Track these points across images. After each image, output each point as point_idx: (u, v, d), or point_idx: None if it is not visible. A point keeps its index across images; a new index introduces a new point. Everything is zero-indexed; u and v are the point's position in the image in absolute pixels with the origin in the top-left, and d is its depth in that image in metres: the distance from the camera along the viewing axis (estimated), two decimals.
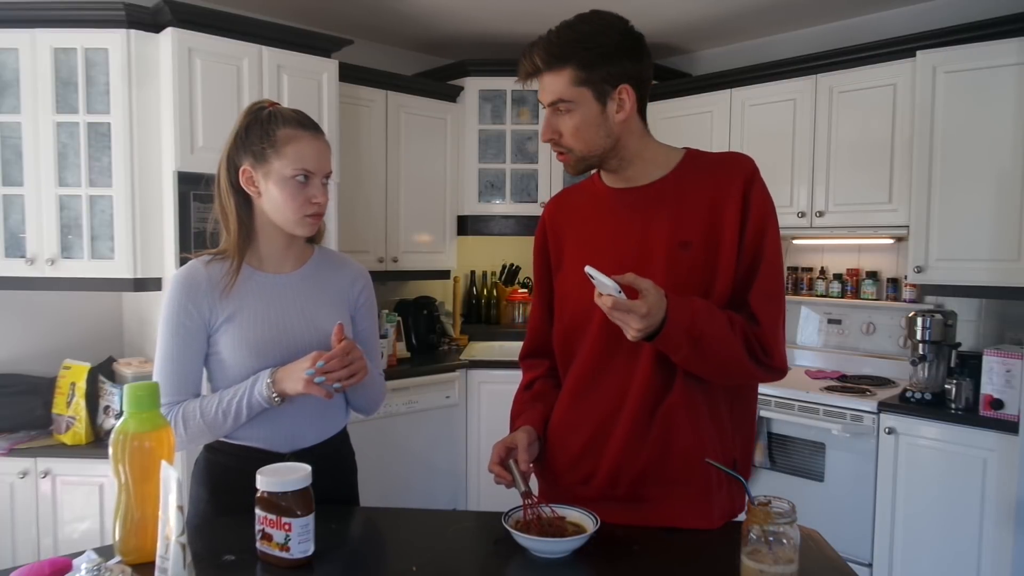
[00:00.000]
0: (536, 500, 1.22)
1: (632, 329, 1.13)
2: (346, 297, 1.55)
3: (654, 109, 2.73)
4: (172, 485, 0.97)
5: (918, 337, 2.81)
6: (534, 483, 1.39)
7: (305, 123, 1.43)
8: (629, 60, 1.25)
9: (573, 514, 1.21)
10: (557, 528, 1.17)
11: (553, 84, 1.24)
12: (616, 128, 1.28)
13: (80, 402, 2.56)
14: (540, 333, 1.50)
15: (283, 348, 1.41)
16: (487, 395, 3.57)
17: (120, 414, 1.19)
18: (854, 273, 3.36)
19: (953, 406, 2.66)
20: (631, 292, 1.13)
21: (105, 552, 1.09)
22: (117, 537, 1.09)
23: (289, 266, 1.50)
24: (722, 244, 1.25)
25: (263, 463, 1.16)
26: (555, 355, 1.46)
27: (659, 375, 1.26)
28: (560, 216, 1.45)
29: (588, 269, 1.12)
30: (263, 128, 1.39)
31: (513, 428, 1.41)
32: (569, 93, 1.24)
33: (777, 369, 1.25)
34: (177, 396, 1.40)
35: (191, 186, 2.66)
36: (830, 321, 3.40)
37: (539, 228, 1.50)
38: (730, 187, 1.26)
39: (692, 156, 1.34)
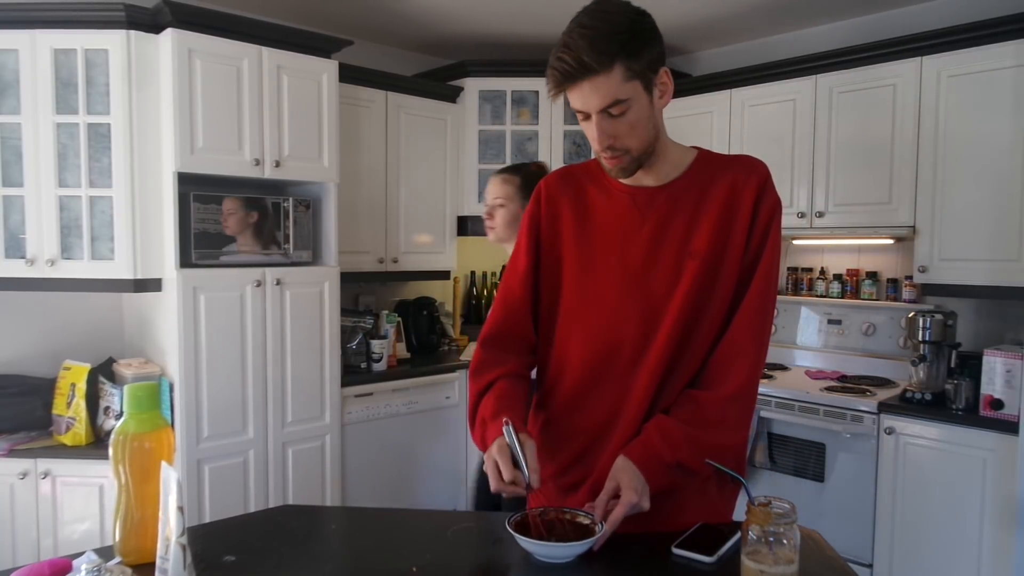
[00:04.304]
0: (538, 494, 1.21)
1: (646, 502, 1.14)
2: None
3: None
4: (172, 486, 0.97)
5: (918, 337, 2.81)
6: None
7: None
8: (659, 41, 1.18)
9: (579, 515, 1.19)
10: (563, 527, 1.16)
11: (605, 86, 1.13)
12: (657, 118, 1.22)
13: (80, 403, 2.56)
14: (515, 317, 1.35)
15: None
16: None
17: (120, 415, 1.19)
18: (854, 273, 3.37)
19: (953, 406, 2.66)
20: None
21: (105, 553, 1.09)
22: (117, 538, 1.08)
23: None
24: (727, 254, 1.23)
25: None
26: (523, 347, 1.36)
27: (659, 384, 1.24)
28: (563, 199, 1.34)
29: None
30: None
31: (493, 425, 1.22)
32: (623, 91, 1.14)
33: (735, 395, 1.21)
34: None
35: (191, 187, 2.66)
36: (830, 321, 3.40)
37: (534, 200, 1.37)
38: (743, 196, 1.23)
39: (704, 158, 1.30)
